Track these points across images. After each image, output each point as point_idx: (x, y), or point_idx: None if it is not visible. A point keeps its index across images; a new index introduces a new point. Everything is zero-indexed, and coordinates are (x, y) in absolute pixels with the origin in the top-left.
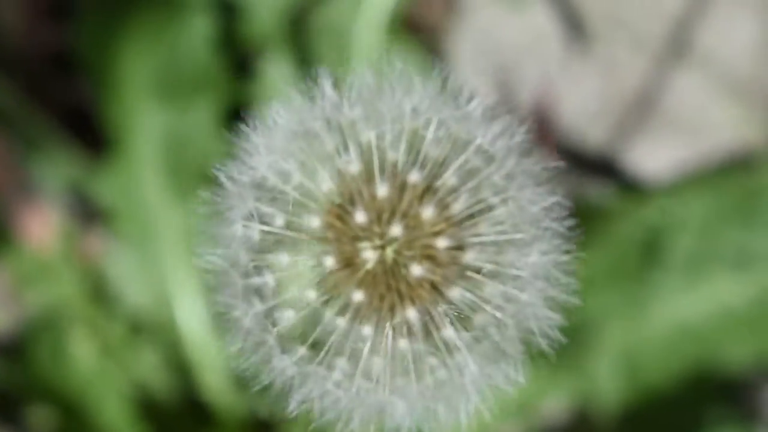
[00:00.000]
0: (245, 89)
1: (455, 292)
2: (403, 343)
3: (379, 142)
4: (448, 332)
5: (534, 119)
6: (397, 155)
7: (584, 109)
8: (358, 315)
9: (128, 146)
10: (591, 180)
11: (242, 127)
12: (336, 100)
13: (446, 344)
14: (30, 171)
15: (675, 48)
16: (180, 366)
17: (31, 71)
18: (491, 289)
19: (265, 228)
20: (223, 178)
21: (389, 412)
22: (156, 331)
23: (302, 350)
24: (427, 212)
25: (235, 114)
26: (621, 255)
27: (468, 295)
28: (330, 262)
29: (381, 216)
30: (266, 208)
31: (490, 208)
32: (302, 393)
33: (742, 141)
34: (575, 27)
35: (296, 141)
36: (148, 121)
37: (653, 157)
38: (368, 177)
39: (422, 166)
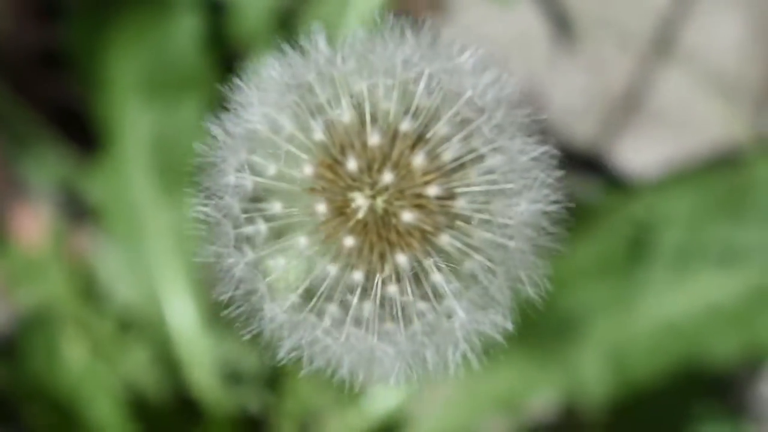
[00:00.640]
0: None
1: (444, 239)
2: (392, 289)
3: (371, 93)
4: (437, 278)
5: None
6: (389, 105)
7: (571, 106)
8: (349, 262)
9: (117, 145)
10: (578, 176)
11: (236, 80)
12: (329, 54)
13: (435, 290)
14: (20, 169)
15: (661, 45)
16: (169, 363)
17: (20, 70)
18: (480, 236)
19: (257, 179)
20: (216, 131)
21: (378, 358)
22: (145, 328)
23: (293, 298)
24: (418, 160)
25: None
26: (608, 251)
27: (457, 242)
28: (321, 209)
29: (372, 165)
30: (258, 159)
31: (480, 158)
32: (292, 341)
33: (728, 137)
34: (562, 25)
35: (289, 94)
36: (137, 120)
37: (640, 154)
38: (360, 127)
39: (414, 117)
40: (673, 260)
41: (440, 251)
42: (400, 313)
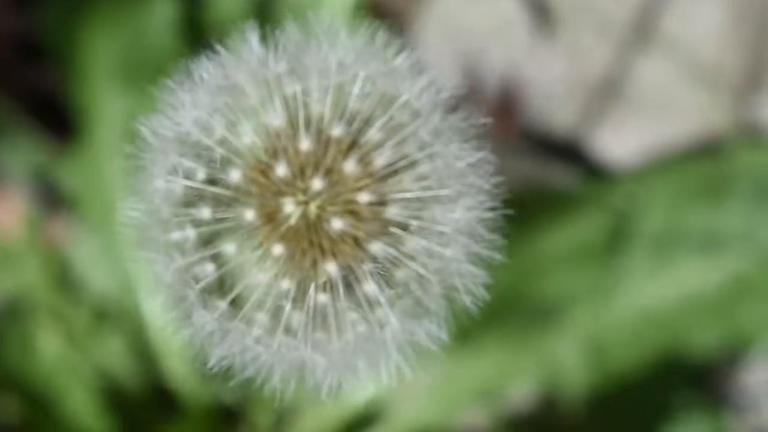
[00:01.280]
0: None
1: (377, 247)
2: (323, 298)
3: (305, 96)
4: (370, 287)
5: (500, 104)
6: (323, 109)
7: (550, 93)
8: (281, 270)
9: (93, 132)
10: (557, 164)
11: (168, 82)
12: (262, 55)
13: (368, 299)
14: None
15: (641, 33)
16: (145, 353)
17: None
18: (414, 244)
19: (188, 183)
20: (146, 133)
21: (310, 368)
22: (121, 318)
23: (223, 305)
24: (350, 166)
25: None
26: (587, 239)
27: (390, 250)
28: (250, 216)
29: (304, 170)
30: (189, 163)
31: (414, 164)
32: (223, 349)
33: (707, 126)
34: (541, 12)
35: (221, 96)
36: (112, 107)
37: (619, 142)
38: (292, 131)
39: (348, 121)
40: (653, 249)
41: (373, 259)
42: (332, 322)
